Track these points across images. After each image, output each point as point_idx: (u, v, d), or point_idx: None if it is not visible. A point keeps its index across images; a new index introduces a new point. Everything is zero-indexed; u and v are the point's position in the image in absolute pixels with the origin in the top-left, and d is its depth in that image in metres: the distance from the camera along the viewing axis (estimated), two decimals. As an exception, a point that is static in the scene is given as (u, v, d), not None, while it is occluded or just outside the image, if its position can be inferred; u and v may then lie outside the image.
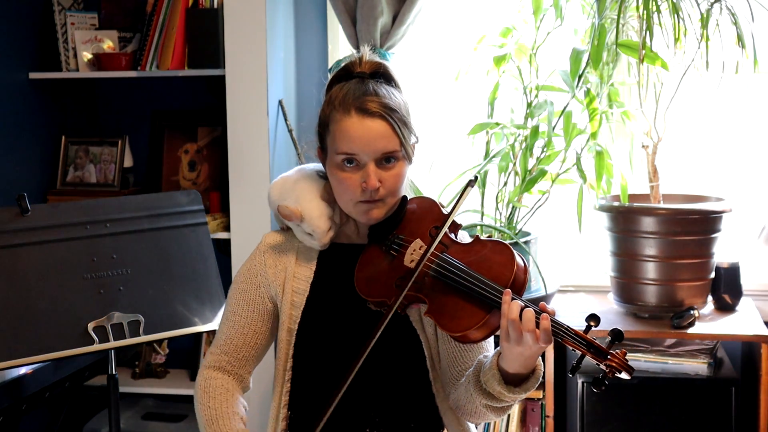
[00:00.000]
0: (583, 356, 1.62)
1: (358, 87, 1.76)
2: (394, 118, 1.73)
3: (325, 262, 1.88)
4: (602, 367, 1.61)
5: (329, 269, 1.88)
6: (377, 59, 1.83)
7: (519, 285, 1.68)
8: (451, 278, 1.70)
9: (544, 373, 1.76)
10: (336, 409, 1.72)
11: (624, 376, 1.60)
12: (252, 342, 1.89)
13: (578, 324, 1.65)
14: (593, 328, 1.62)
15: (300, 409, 1.87)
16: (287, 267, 1.88)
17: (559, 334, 1.61)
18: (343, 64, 1.85)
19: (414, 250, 1.77)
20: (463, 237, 1.84)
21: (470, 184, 1.73)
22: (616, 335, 1.61)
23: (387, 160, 1.75)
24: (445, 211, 1.81)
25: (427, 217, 1.81)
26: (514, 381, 1.69)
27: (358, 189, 1.75)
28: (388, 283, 1.76)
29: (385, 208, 1.79)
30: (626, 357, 1.61)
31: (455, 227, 1.81)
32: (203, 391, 1.87)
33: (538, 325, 1.59)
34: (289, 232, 1.91)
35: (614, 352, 1.60)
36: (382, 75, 1.81)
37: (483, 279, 1.67)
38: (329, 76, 1.87)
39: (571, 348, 1.62)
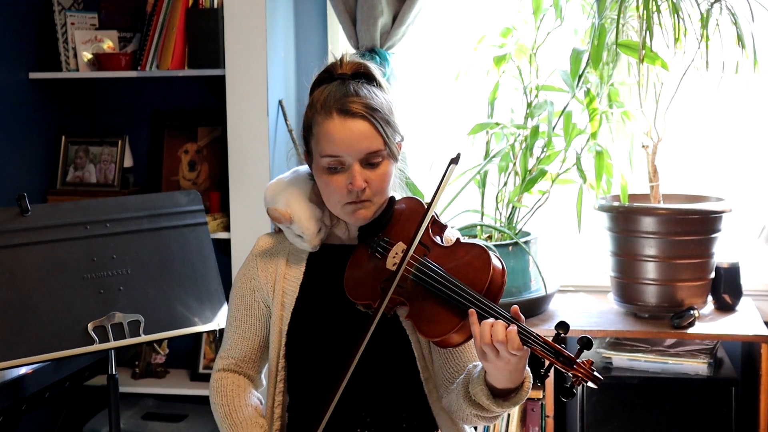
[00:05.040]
0: (551, 364, 1.61)
1: (339, 88, 1.76)
2: (376, 117, 1.73)
3: (314, 264, 1.89)
4: (570, 375, 1.60)
5: (319, 270, 1.88)
6: (358, 59, 1.82)
7: (495, 290, 1.68)
8: (429, 283, 1.69)
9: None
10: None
11: (591, 385, 1.59)
12: (256, 345, 1.91)
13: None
14: (562, 335, 1.62)
15: (294, 409, 1.88)
16: (278, 268, 1.89)
17: (528, 342, 1.60)
18: (324, 67, 1.84)
19: (396, 253, 1.76)
20: (452, 236, 1.83)
21: (453, 161, 1.71)
22: (585, 344, 1.60)
23: (372, 160, 1.74)
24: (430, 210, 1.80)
25: (413, 218, 1.80)
26: (503, 394, 1.69)
27: (344, 190, 1.74)
28: (373, 286, 1.75)
29: (373, 208, 1.78)
30: (592, 367, 1.60)
31: (440, 228, 1.80)
32: (216, 391, 1.90)
33: None
34: (282, 234, 1.92)
35: (580, 362, 1.59)
36: (364, 75, 1.80)
37: (459, 284, 1.66)
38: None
39: (540, 356, 1.62)
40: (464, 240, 1.78)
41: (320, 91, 1.78)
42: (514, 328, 1.58)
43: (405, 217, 1.82)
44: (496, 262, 1.69)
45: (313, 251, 1.88)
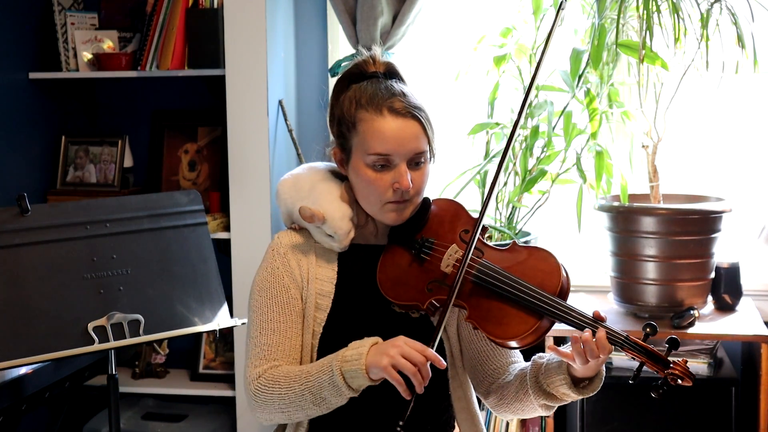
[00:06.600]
0: (642, 365, 1.62)
1: (383, 87, 1.75)
2: (422, 117, 1.74)
3: (345, 264, 1.85)
4: (661, 374, 1.61)
5: (351, 271, 1.85)
6: (386, 59, 1.83)
7: (565, 292, 1.69)
8: (495, 284, 1.69)
9: None
10: (356, 409, 1.71)
11: (686, 383, 1.60)
12: (297, 344, 1.81)
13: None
14: (650, 336, 1.64)
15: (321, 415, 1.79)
16: (309, 267, 1.84)
17: (618, 343, 1.61)
18: (353, 63, 1.83)
19: (450, 255, 1.75)
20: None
21: (561, 6, 1.76)
22: (673, 343, 1.62)
23: (418, 160, 1.75)
24: (473, 213, 1.81)
25: (450, 219, 1.80)
26: (579, 382, 1.70)
27: (388, 190, 1.74)
28: (418, 287, 1.74)
29: (411, 208, 1.78)
30: (687, 364, 1.62)
31: (483, 230, 1.79)
32: (268, 383, 1.73)
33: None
34: (303, 232, 1.87)
35: (676, 361, 1.61)
36: (397, 75, 1.81)
37: (531, 286, 1.67)
38: (330, 76, 1.86)
39: (630, 357, 1.63)
40: (520, 243, 1.79)
41: (358, 88, 1.77)
42: (602, 333, 1.60)
43: (441, 219, 1.81)
44: (562, 265, 1.71)
45: (342, 251, 1.84)
